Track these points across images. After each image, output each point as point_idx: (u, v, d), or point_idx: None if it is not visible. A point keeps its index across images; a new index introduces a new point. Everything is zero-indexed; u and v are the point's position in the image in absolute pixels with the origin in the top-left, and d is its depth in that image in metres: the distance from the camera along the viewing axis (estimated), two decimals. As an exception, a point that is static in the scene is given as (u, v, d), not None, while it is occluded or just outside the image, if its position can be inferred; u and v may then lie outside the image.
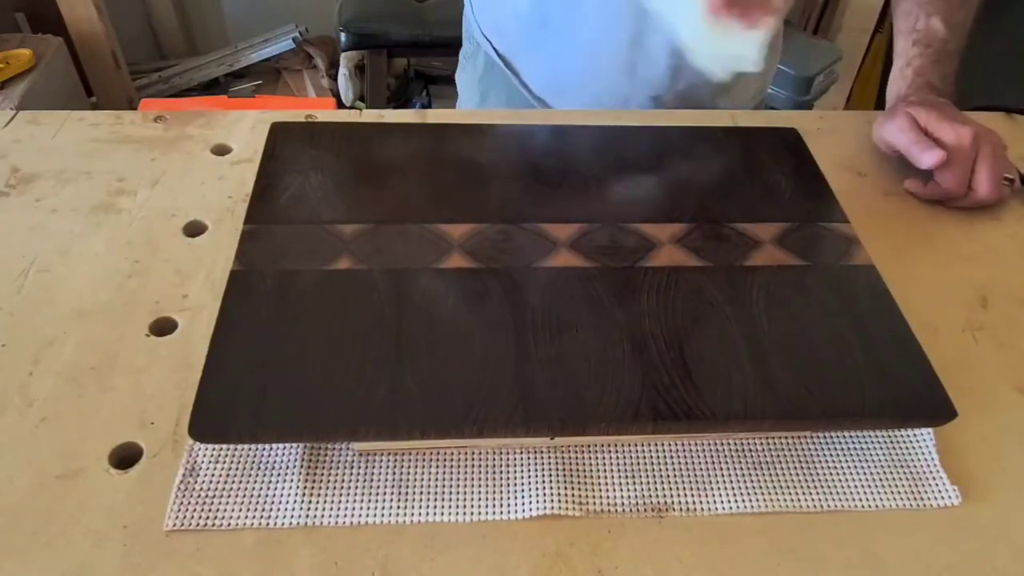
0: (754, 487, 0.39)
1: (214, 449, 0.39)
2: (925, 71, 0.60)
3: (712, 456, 0.41)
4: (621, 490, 0.39)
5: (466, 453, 0.40)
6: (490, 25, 0.75)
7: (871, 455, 0.41)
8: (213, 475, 0.38)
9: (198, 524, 0.36)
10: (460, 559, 0.36)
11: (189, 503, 0.37)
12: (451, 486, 0.39)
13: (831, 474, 0.40)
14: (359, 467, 0.39)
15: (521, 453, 0.40)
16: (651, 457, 0.40)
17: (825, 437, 0.42)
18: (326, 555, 0.36)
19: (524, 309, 0.42)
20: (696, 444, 0.41)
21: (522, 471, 0.39)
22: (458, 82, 0.84)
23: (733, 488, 0.39)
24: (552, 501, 0.38)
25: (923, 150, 0.55)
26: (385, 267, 0.44)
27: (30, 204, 0.52)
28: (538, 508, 0.37)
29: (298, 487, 0.38)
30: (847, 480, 0.40)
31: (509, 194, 0.50)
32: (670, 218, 0.49)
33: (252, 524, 0.36)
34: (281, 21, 1.97)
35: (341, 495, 0.38)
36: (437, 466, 0.39)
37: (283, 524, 0.36)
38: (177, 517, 0.36)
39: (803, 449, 0.41)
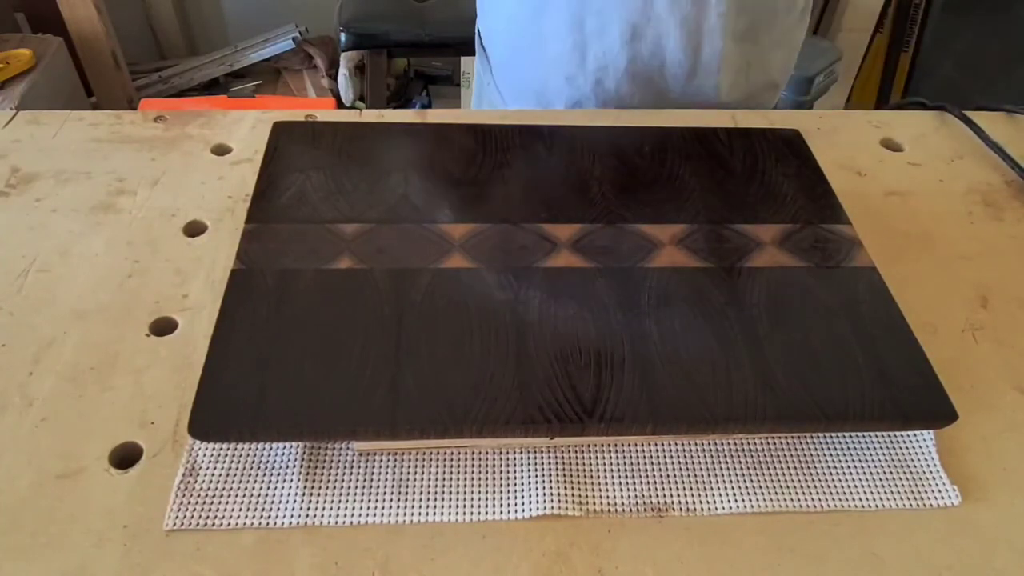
0: (754, 487, 0.39)
1: (214, 449, 0.39)
2: None
3: (712, 456, 0.41)
4: (621, 490, 0.39)
5: (466, 453, 0.40)
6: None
7: (871, 455, 0.41)
8: (213, 475, 0.38)
9: (198, 524, 0.36)
10: (460, 559, 0.36)
11: (189, 503, 0.37)
12: (451, 486, 0.39)
13: (831, 474, 0.40)
14: (359, 467, 0.39)
15: (521, 453, 0.40)
16: (651, 457, 0.40)
17: (825, 437, 0.42)
18: (326, 555, 0.36)
19: (524, 309, 0.42)
20: (696, 444, 0.41)
21: (522, 471, 0.39)
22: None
23: (733, 488, 0.39)
24: (552, 501, 0.38)
25: None
26: (386, 267, 0.44)
27: (30, 204, 0.52)
28: (538, 508, 0.37)
29: (298, 487, 0.38)
30: (847, 480, 0.40)
31: (509, 194, 0.50)
32: (671, 219, 0.49)
33: (252, 524, 0.36)
34: (281, 21, 1.98)
35: (341, 495, 0.38)
36: (437, 466, 0.39)
37: (283, 524, 0.36)
38: (177, 517, 0.36)
39: (803, 449, 0.41)
